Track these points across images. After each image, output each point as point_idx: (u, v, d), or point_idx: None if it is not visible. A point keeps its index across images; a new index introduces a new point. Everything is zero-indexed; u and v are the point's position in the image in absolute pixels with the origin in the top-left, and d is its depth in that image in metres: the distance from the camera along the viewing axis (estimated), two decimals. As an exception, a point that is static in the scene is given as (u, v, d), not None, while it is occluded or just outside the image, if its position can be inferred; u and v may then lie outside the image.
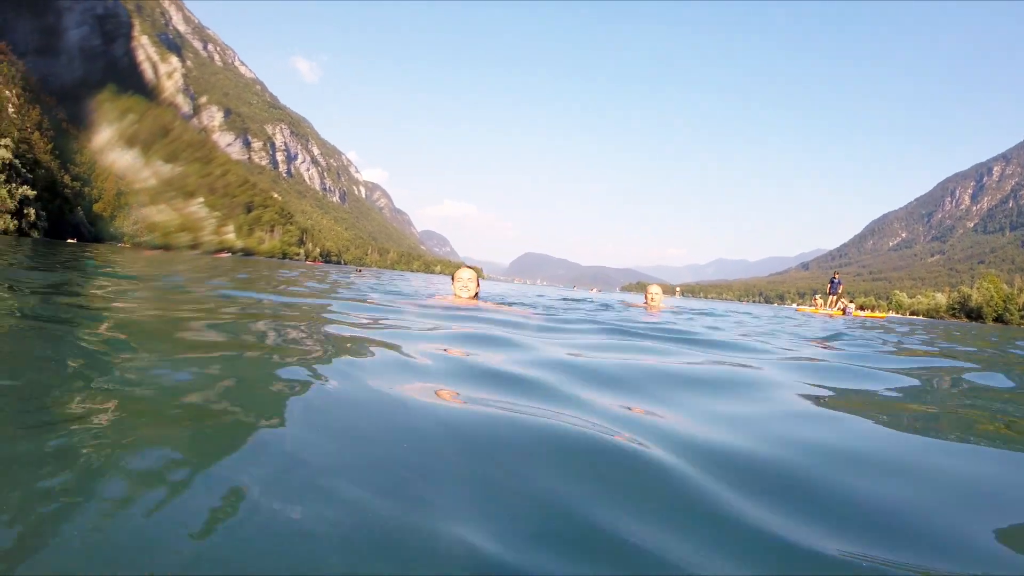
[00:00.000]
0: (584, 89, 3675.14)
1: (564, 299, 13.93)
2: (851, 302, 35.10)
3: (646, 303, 10.80)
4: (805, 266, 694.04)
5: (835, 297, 31.57)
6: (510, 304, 8.32)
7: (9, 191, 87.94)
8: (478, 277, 7.21)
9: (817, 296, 34.38)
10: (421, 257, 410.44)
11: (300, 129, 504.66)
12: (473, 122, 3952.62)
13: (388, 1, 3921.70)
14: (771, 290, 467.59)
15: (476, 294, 7.07)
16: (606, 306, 10.85)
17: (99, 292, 5.26)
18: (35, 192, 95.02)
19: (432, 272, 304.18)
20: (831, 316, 23.31)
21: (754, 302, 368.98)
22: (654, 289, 10.84)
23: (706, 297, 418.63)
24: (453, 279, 7.12)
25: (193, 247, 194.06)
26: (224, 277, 10.34)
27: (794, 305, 62.93)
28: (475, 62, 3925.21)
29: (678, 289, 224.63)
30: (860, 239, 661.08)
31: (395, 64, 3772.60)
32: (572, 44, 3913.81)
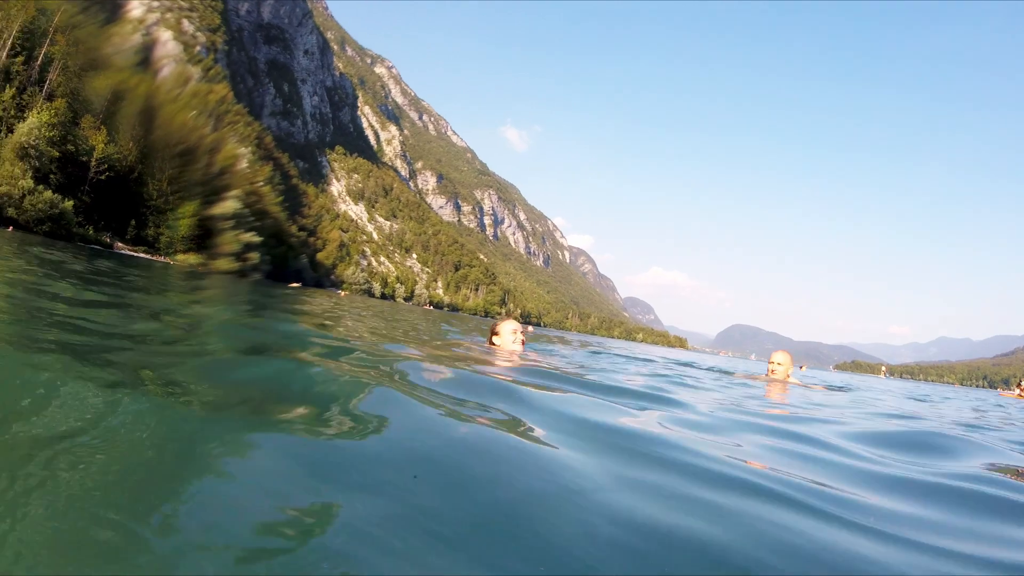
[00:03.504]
0: (807, 156, 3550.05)
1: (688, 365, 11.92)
2: None
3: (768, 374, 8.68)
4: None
5: None
6: None
7: (235, 236, 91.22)
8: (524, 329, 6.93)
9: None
10: (623, 324, 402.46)
11: (507, 195, 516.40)
12: (688, 189, 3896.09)
13: (607, 74, 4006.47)
14: (996, 373, 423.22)
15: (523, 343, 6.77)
16: (721, 375, 9.27)
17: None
18: (261, 238, 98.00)
19: (633, 340, 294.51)
20: None
21: (977, 386, 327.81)
22: (778, 357, 8.59)
23: (926, 379, 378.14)
24: (499, 331, 6.82)
25: (407, 299, 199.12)
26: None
27: (998, 390, 53.25)
28: (691, 128, 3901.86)
29: (884, 368, 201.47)
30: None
31: (608, 132, 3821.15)
32: (794, 110, 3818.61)
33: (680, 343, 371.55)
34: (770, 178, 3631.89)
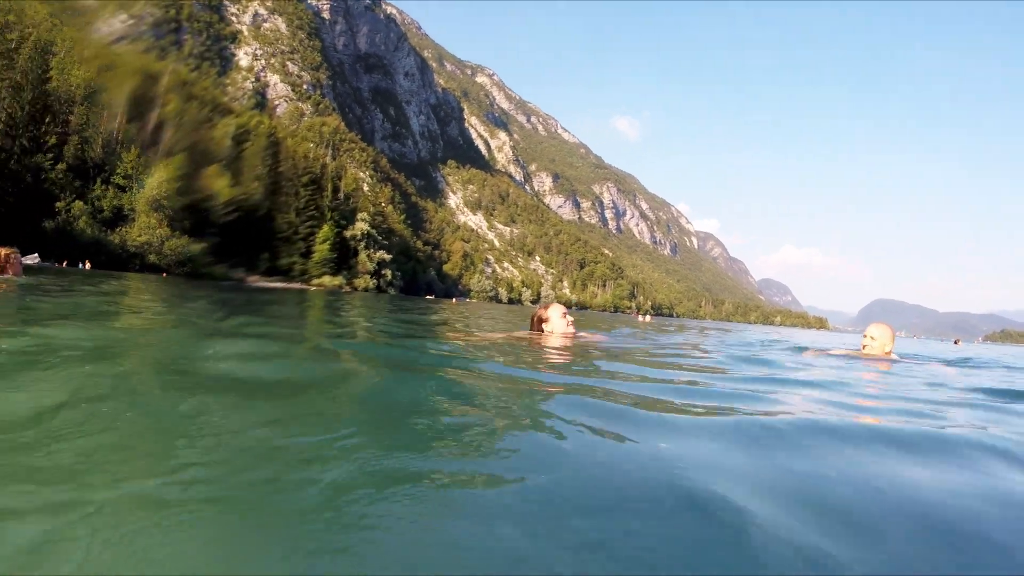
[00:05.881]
0: (932, 109, 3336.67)
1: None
2: None
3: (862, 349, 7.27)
4: None
5: None
6: None
7: (368, 255, 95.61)
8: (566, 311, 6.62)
9: None
10: (759, 308, 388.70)
11: (626, 186, 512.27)
12: (817, 157, 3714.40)
13: (712, 44, 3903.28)
14: None
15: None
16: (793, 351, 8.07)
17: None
18: (391, 256, 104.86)
19: (771, 323, 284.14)
20: None
21: None
22: (873, 330, 7.16)
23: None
24: (547, 316, 6.56)
25: (534, 302, 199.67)
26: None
27: None
28: (813, 88, 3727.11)
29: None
30: None
31: (722, 107, 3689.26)
32: (932, 58, 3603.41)
33: (820, 324, 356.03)
34: (902, 136, 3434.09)
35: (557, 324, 6.36)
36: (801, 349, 8.78)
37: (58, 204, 45.20)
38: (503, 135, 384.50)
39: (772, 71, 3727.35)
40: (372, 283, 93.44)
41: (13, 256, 9.45)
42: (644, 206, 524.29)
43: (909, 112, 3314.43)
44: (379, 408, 2.20)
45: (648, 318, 39.54)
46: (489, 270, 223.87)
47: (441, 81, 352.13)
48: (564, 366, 4.06)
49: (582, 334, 6.81)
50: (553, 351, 5.01)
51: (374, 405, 2.27)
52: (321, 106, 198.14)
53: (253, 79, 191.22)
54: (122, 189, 51.95)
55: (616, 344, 6.76)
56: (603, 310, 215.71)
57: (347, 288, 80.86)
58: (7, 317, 4.76)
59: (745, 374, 4.41)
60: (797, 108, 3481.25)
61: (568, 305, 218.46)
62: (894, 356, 7.30)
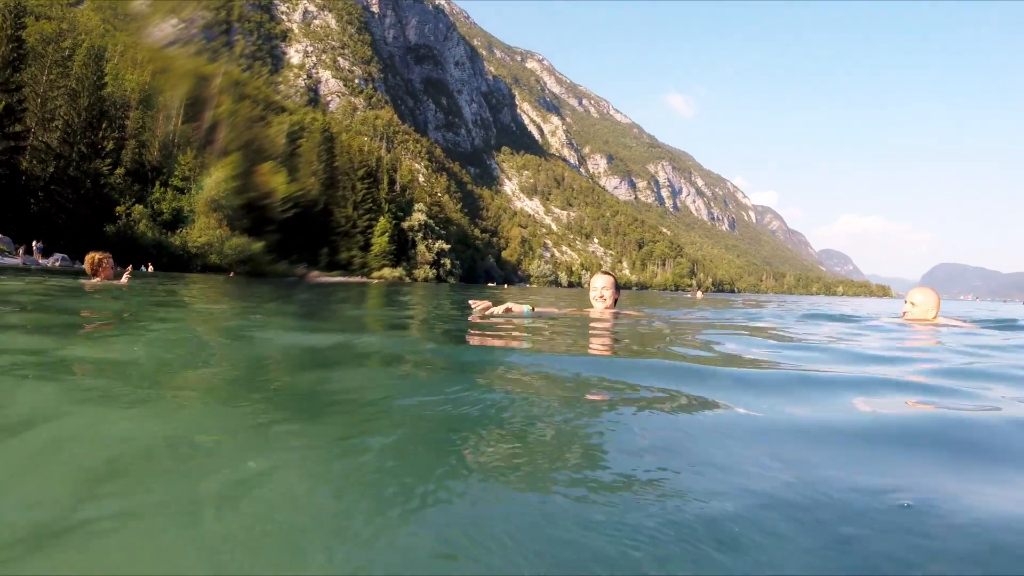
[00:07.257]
0: (1005, 63, 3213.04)
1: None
2: None
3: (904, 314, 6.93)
4: None
5: None
6: None
7: (427, 246, 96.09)
8: (615, 282, 6.36)
9: None
10: (820, 279, 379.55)
11: (681, 163, 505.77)
12: (872, 124, 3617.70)
13: (768, 22, 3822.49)
14: None
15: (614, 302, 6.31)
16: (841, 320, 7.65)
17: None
18: (449, 245, 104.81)
19: (833, 294, 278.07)
20: None
21: None
22: (915, 296, 6.72)
23: None
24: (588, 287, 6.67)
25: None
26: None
27: None
28: (869, 58, 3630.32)
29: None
30: None
31: (774, 80, 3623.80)
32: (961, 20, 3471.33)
33: (883, 291, 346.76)
34: (963, 94, 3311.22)
35: (591, 297, 6.25)
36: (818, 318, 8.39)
37: (118, 208, 45.62)
38: (555, 119, 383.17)
39: (826, 32, 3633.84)
40: (432, 273, 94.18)
41: (106, 260, 9.52)
42: (700, 183, 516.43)
43: (969, 67, 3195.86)
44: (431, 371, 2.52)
45: (700, 294, 38.81)
46: (548, 255, 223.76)
47: (491, 68, 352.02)
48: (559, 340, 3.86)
49: (627, 311, 6.81)
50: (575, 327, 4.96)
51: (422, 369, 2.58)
52: (373, 99, 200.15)
53: (305, 76, 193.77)
54: (180, 191, 52.31)
55: (651, 319, 6.53)
56: (664, 289, 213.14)
57: (407, 279, 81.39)
58: (143, 317, 4.72)
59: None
60: (854, 74, 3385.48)
61: (627, 287, 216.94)
62: (941, 320, 6.81)
